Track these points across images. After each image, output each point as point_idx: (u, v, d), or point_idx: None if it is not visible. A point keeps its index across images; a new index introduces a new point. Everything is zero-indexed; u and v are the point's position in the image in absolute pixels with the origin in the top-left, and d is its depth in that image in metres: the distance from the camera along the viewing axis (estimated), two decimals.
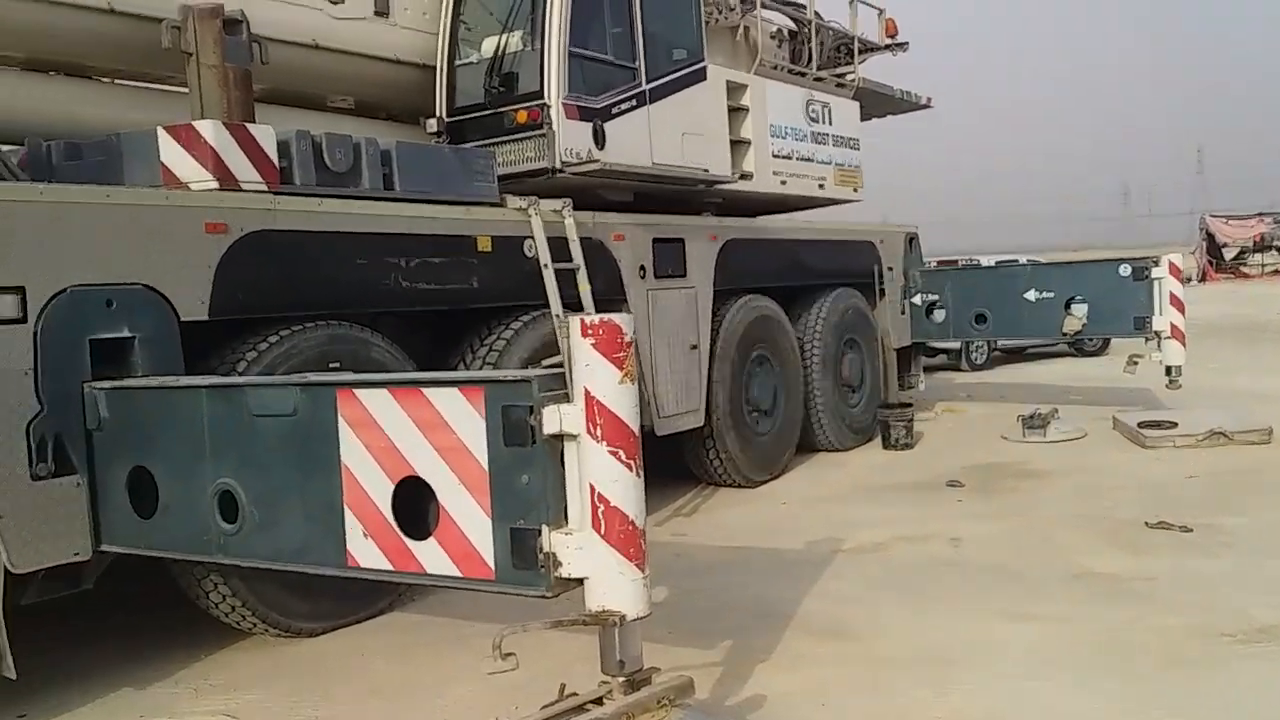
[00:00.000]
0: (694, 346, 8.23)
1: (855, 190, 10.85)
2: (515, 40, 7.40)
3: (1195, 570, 6.00)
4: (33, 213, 4.43)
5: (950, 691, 4.46)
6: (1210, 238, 48.41)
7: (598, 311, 6.37)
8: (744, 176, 9.10)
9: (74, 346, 4.50)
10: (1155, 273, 10.52)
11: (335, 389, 3.85)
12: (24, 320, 4.35)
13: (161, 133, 5.35)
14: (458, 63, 7.66)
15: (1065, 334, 11.28)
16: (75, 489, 4.44)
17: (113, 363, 4.65)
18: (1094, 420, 10.97)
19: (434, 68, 7.67)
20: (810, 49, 10.34)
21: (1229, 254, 49.22)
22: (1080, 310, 10.98)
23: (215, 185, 5.25)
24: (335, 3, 7.03)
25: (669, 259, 8.04)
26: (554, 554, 3.35)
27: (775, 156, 9.51)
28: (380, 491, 3.70)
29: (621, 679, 3.48)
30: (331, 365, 5.43)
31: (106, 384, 4.50)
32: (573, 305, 6.58)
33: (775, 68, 9.92)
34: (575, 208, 6.92)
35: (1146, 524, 6.92)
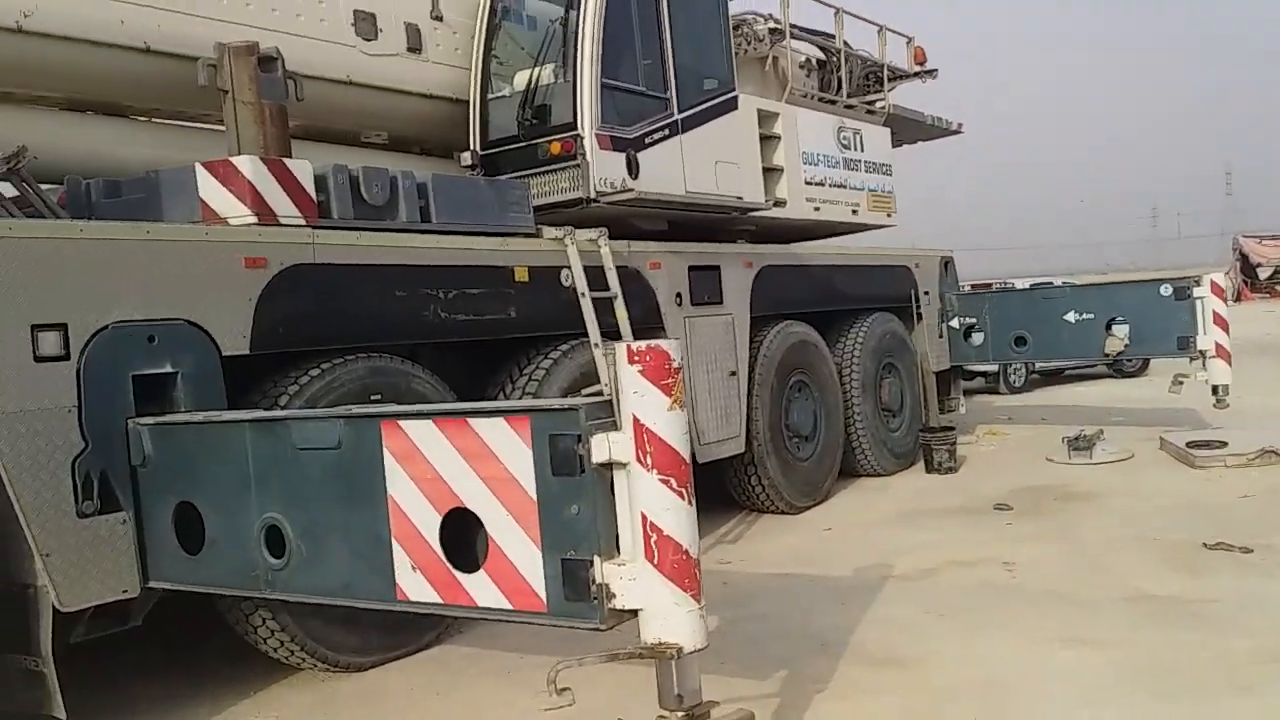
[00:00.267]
0: (733, 373, 8.16)
1: (889, 215, 10.79)
2: (547, 73, 7.42)
3: (1259, 592, 5.84)
4: (74, 250, 4.44)
5: None
6: (1244, 258, 47.90)
7: (636, 340, 6.32)
8: (777, 203, 9.06)
9: (117, 383, 4.49)
10: (1197, 292, 10.36)
11: (379, 420, 3.80)
12: (67, 357, 4.35)
13: (200, 169, 5.37)
14: (490, 96, 7.68)
15: (1107, 355, 11.13)
16: (122, 526, 4.42)
17: (156, 398, 4.64)
18: (1140, 441, 10.78)
19: (467, 102, 7.70)
20: (839, 77, 10.30)
21: (1263, 273, 48.65)
22: (1122, 331, 10.82)
23: (254, 220, 5.25)
24: (368, 39, 7.07)
25: (705, 286, 7.99)
26: (607, 585, 3.27)
27: (808, 183, 9.47)
28: (428, 524, 3.64)
29: (681, 713, 3.38)
30: (373, 397, 5.40)
31: (150, 420, 4.49)
32: (610, 334, 6.53)
33: (805, 96, 9.89)
34: (610, 237, 6.90)
35: (1205, 545, 6.75)
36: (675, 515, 3.27)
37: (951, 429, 10.61)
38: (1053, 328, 11.13)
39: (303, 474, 3.98)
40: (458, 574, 3.59)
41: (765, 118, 8.97)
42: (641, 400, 3.25)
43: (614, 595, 3.28)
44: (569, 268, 6.53)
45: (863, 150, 10.30)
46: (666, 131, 7.71)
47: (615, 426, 3.28)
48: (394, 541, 3.72)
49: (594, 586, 3.27)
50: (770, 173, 9.01)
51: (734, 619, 5.80)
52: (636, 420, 3.25)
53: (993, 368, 16.38)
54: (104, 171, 5.84)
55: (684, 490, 3.29)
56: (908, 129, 11.74)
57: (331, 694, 5.26)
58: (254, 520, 4.07)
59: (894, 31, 11.04)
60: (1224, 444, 9.68)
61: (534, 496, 3.40)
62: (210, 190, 5.33)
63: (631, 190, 7.25)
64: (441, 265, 5.95)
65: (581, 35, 7.17)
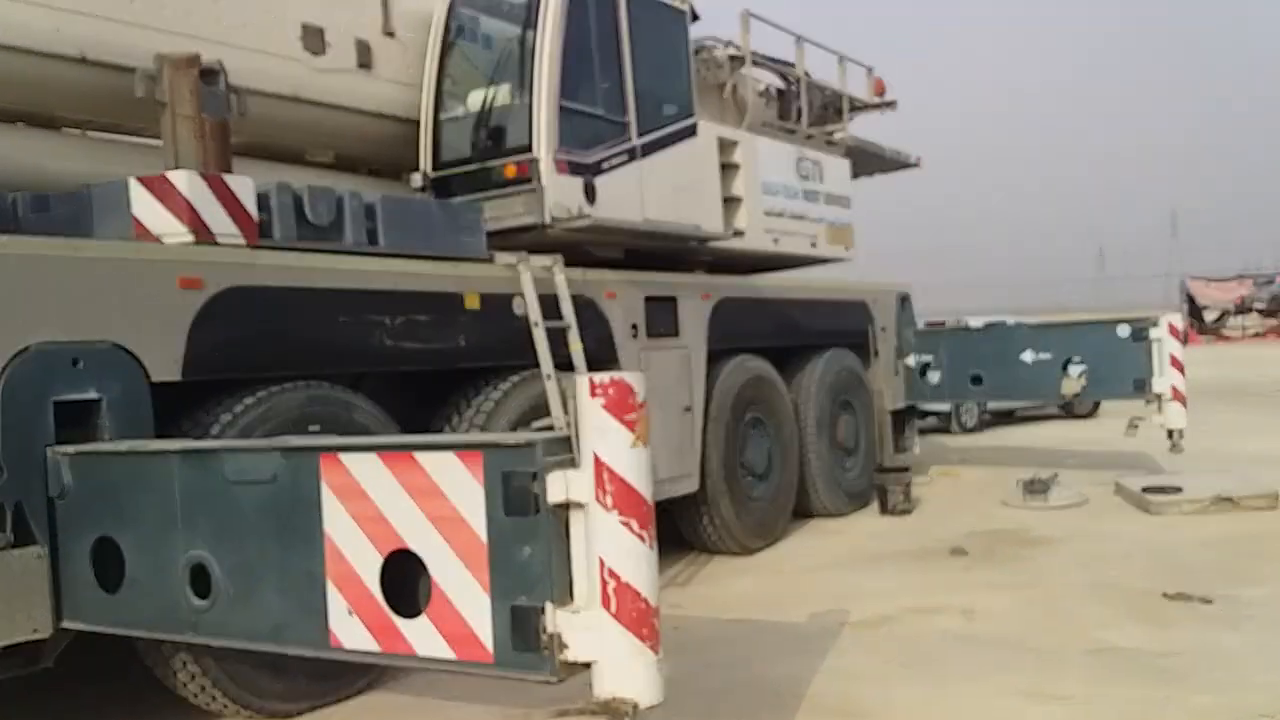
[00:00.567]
0: (687, 409, 7.96)
1: (846, 249, 10.68)
2: (503, 93, 7.23)
3: (1220, 644, 5.71)
4: None
5: None
6: (1191, 300, 48.65)
7: (590, 371, 6.10)
8: (736, 233, 8.91)
9: (37, 408, 4.19)
10: (1154, 334, 10.34)
11: (319, 453, 3.55)
12: None
13: (134, 184, 5.10)
14: (443, 116, 7.46)
15: (1064, 396, 11.07)
16: (36, 561, 4.09)
17: (78, 426, 4.34)
18: (1094, 485, 10.73)
19: (418, 121, 7.47)
20: (799, 106, 10.21)
21: (1209, 316, 49.54)
22: (1078, 371, 10.79)
23: (190, 239, 5.00)
24: (316, 54, 6.83)
25: (662, 318, 7.80)
26: (559, 635, 3.04)
27: (767, 214, 9.32)
28: (367, 565, 3.39)
29: None
30: (312, 428, 5.13)
31: (71, 448, 4.19)
32: (563, 365, 6.30)
33: (765, 125, 9.78)
34: (565, 264, 6.67)
35: (1165, 595, 6.63)
36: (635, 561, 3.05)
37: (907, 469, 10.49)
38: (1009, 367, 11.06)
39: (233, 509, 3.71)
40: (398, 620, 3.34)
41: (725, 146, 8.83)
42: (603, 437, 3.04)
43: (566, 646, 3.05)
44: (522, 295, 6.29)
45: (822, 181, 10.20)
46: (625, 157, 7.53)
47: (573, 464, 3.06)
48: (329, 584, 3.46)
49: (545, 636, 3.05)
50: (730, 202, 8.86)
51: (686, 668, 5.54)
52: (597, 458, 3.03)
53: (945, 407, 16.35)
54: (32, 185, 5.54)
55: (645, 534, 3.07)
56: (867, 161, 11.67)
57: None
58: (179, 558, 3.79)
59: (854, 61, 10.99)
60: (1179, 489, 9.64)
61: (484, 538, 3.17)
62: (144, 206, 5.07)
63: (588, 217, 7.05)
64: (388, 290, 5.70)
65: (540, 55, 6.99)
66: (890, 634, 6.22)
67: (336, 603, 3.45)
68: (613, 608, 3.02)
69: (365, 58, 7.17)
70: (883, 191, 13.65)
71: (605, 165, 7.36)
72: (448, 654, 3.25)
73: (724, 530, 8.42)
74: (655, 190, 7.75)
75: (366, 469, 3.40)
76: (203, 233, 5.02)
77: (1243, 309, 49.95)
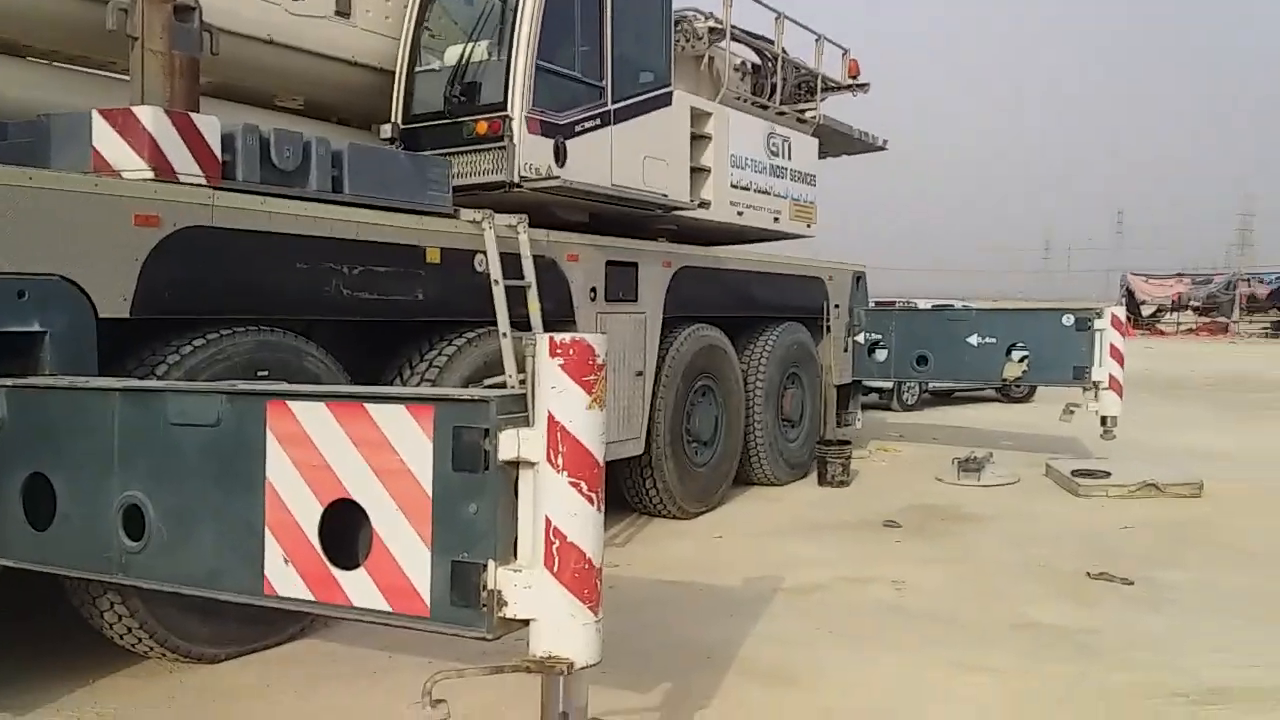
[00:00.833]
0: (639, 373, 8.02)
1: (809, 226, 10.75)
2: (481, 49, 7.15)
3: (1139, 625, 5.93)
4: None
5: None
6: (1130, 294, 49.99)
7: (546, 332, 6.13)
8: (702, 204, 8.94)
9: None
10: (1098, 324, 10.58)
11: (265, 399, 3.52)
12: None
13: (96, 116, 4.99)
14: (419, 69, 7.38)
15: (1006, 379, 11.30)
16: None
17: (19, 358, 4.28)
18: (1026, 466, 11.05)
19: (392, 72, 7.38)
20: (773, 83, 10.23)
21: (1146, 311, 51.01)
22: (1020, 356, 11.01)
23: (150, 175, 4.90)
24: None
25: (621, 283, 7.83)
26: (499, 592, 3.06)
27: (734, 187, 9.36)
28: (307, 514, 3.38)
29: None
30: (260, 374, 5.10)
31: (9, 381, 4.10)
32: (520, 324, 6.32)
33: (739, 99, 9.79)
34: (530, 225, 6.68)
35: (1088, 574, 6.85)
36: (582, 521, 3.10)
37: (848, 443, 10.66)
38: (955, 349, 11.26)
39: (173, 451, 3.66)
40: (335, 570, 3.33)
41: (698, 117, 8.83)
42: (559, 396, 3.06)
43: (506, 603, 3.07)
44: (484, 252, 6.30)
45: (790, 158, 10.24)
46: (598, 121, 7.51)
47: (527, 423, 3.09)
48: (267, 531, 3.45)
49: (485, 592, 3.06)
50: (698, 173, 8.89)
51: (621, 628, 5.60)
52: (551, 417, 3.06)
53: (888, 385, 16.59)
54: None
55: (594, 495, 3.12)
56: (835, 141, 11.72)
57: (179, 687, 4.88)
58: (113, 498, 3.74)
59: (831, 42, 11.00)
60: (1107, 474, 9.93)
61: (429, 492, 3.17)
62: (105, 139, 4.96)
63: (557, 178, 7.04)
64: (349, 239, 5.66)
65: (521, 13, 6.92)
66: (823, 602, 6.36)
67: (273, 550, 3.43)
68: (555, 567, 3.07)
69: (344, 5, 7.04)
70: (847, 172, 13.72)
71: (578, 128, 7.33)
72: (383, 606, 3.25)
73: (666, 494, 8.53)
74: (625, 156, 7.75)
75: (314, 417, 3.38)
76: (164, 170, 4.93)
77: (1179, 306, 51.52)
